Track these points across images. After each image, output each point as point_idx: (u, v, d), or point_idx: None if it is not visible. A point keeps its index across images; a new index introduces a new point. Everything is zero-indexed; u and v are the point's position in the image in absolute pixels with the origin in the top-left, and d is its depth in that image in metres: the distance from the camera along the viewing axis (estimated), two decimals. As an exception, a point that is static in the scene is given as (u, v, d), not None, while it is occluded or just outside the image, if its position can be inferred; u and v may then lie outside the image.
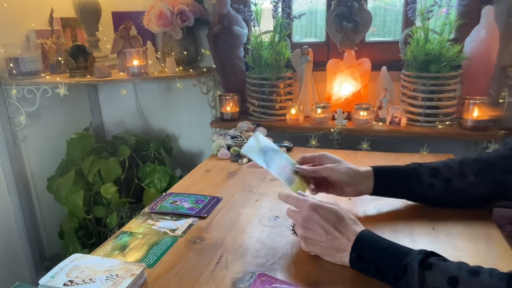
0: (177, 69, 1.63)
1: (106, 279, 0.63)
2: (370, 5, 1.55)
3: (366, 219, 0.84)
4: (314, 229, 0.69)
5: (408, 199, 0.87)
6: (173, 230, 0.83)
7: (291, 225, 0.75)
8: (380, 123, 1.49)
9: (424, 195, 0.84)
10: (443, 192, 0.82)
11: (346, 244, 0.66)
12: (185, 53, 1.68)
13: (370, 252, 0.63)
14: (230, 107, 1.62)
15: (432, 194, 0.83)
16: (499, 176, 0.79)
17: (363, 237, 0.65)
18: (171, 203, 0.96)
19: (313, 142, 1.51)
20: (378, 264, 0.62)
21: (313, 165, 0.87)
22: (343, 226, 0.67)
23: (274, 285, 0.63)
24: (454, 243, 0.75)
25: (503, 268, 0.66)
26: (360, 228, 0.67)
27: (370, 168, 0.84)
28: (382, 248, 0.62)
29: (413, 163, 0.86)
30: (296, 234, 0.74)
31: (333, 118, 1.52)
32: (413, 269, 0.56)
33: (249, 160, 1.25)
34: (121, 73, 1.60)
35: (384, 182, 0.84)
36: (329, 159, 0.86)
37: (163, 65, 1.70)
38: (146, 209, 0.94)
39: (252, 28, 1.54)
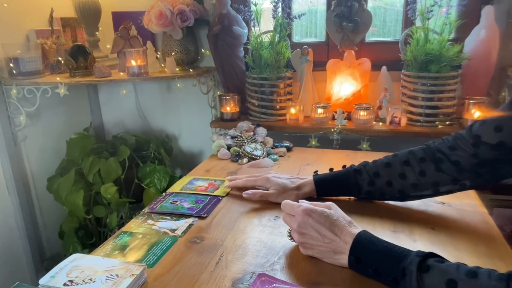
0: (177, 69, 1.63)
1: (106, 279, 0.63)
2: (370, 5, 1.55)
3: (366, 220, 0.84)
4: (309, 234, 0.70)
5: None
6: (173, 230, 0.83)
7: (287, 231, 0.76)
8: (380, 123, 1.49)
9: (366, 197, 0.90)
10: (386, 192, 0.86)
11: (343, 247, 0.66)
12: (185, 53, 1.68)
13: (368, 255, 0.63)
14: (230, 107, 1.62)
15: (374, 195, 0.88)
16: (445, 174, 0.80)
17: (360, 240, 0.65)
18: (171, 203, 0.96)
19: (313, 142, 1.51)
20: (377, 267, 0.62)
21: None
22: (339, 229, 0.68)
23: (274, 285, 0.63)
24: (454, 243, 0.75)
25: (503, 268, 0.66)
26: (356, 230, 0.67)
27: (310, 179, 0.93)
28: (379, 251, 0.62)
29: (356, 167, 0.89)
30: (293, 240, 0.74)
31: (333, 118, 1.52)
32: (412, 272, 0.56)
33: (249, 160, 1.25)
34: (121, 73, 1.60)
35: (325, 190, 0.92)
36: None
37: (163, 65, 1.70)
38: (146, 209, 0.94)
39: (252, 28, 1.54)
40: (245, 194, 0.95)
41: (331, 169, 0.96)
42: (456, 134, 0.80)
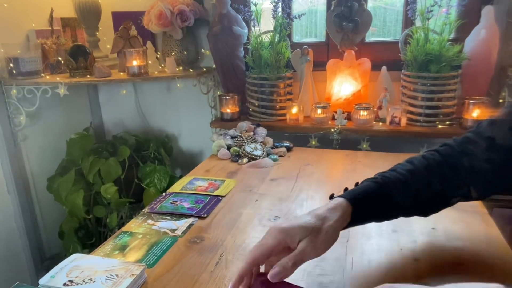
0: (177, 69, 1.63)
1: (106, 279, 0.63)
2: (370, 5, 1.55)
3: (366, 219, 0.84)
4: None
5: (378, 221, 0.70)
6: (173, 230, 0.83)
7: None
8: (380, 123, 1.49)
9: (392, 214, 0.70)
10: (411, 209, 0.70)
11: None
12: (185, 53, 1.68)
13: None
14: (230, 107, 1.62)
15: (399, 213, 0.70)
16: (463, 178, 0.67)
17: None
18: (171, 203, 0.96)
19: (313, 142, 1.51)
20: None
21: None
22: None
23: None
24: (454, 243, 0.75)
25: (503, 268, 0.66)
26: None
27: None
28: None
29: (379, 178, 0.69)
30: None
31: (333, 118, 1.52)
32: None
33: (249, 160, 1.25)
34: (121, 73, 1.60)
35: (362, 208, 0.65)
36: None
37: (163, 65, 1.70)
38: (146, 209, 0.94)
39: (252, 28, 1.54)
40: (272, 275, 0.55)
41: (345, 189, 0.72)
42: (463, 139, 0.69)
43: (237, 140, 1.37)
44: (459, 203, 0.84)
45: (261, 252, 0.56)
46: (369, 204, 0.66)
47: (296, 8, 1.70)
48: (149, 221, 0.88)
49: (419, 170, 0.69)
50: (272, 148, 1.36)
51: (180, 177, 1.28)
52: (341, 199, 0.64)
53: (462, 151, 0.68)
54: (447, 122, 1.42)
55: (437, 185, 0.67)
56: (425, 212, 0.71)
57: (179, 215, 0.90)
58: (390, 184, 0.67)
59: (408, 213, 0.71)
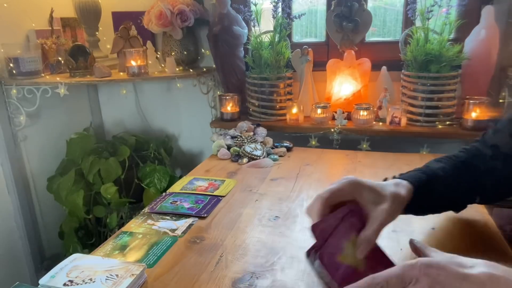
0: (177, 69, 1.63)
1: (106, 279, 0.63)
2: (370, 5, 1.55)
3: (366, 219, 0.84)
4: None
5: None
6: (173, 230, 0.83)
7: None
8: (380, 123, 1.49)
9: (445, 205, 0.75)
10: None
11: None
12: (185, 53, 1.68)
13: None
14: (230, 107, 1.62)
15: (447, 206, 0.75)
16: (476, 180, 0.71)
17: None
18: (171, 203, 0.96)
19: (313, 142, 1.51)
20: None
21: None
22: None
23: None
24: (454, 243, 0.75)
25: (503, 268, 0.66)
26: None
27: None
28: None
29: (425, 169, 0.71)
30: None
31: (333, 118, 1.52)
32: None
33: (249, 160, 1.25)
34: (121, 73, 1.60)
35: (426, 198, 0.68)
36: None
37: (163, 65, 1.70)
38: (146, 209, 0.94)
39: (252, 28, 1.54)
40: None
41: (385, 179, 0.71)
42: (471, 149, 0.71)
43: (237, 140, 1.37)
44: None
45: (330, 193, 0.60)
46: (431, 189, 0.67)
47: (296, 8, 1.70)
48: (149, 221, 0.88)
49: (449, 169, 0.71)
50: (272, 148, 1.36)
51: (180, 177, 1.28)
52: (400, 179, 0.66)
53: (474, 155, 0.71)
54: (447, 122, 1.42)
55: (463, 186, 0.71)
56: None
57: (179, 215, 0.90)
58: (439, 176, 0.69)
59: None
